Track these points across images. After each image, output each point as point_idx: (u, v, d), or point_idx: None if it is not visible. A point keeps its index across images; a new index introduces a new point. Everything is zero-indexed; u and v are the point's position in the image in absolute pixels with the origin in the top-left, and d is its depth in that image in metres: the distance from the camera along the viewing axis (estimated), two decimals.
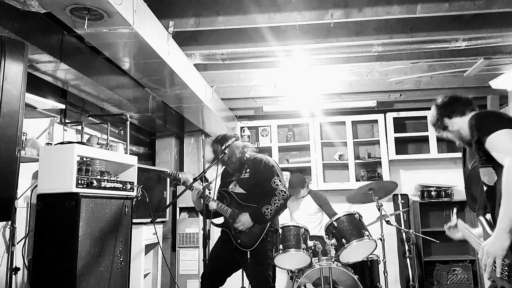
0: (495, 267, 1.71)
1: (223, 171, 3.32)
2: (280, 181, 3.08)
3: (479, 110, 2.04)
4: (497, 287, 1.80)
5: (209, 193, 2.94)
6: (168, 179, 4.82)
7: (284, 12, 2.96)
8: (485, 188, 1.89)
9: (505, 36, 3.21)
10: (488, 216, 1.94)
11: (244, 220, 3.00)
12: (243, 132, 5.62)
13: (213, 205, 3.04)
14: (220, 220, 3.17)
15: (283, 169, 3.33)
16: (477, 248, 1.98)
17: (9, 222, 2.95)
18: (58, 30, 2.76)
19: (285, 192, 3.05)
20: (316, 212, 4.46)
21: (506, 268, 1.67)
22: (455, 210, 2.38)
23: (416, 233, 4.64)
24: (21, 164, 2.51)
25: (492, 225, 1.87)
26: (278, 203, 3.00)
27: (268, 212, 2.98)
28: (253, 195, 3.07)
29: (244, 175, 3.14)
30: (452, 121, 2.09)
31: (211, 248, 3.15)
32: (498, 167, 1.75)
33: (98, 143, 3.68)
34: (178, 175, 3.25)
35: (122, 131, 4.12)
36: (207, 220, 2.86)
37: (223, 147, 3.02)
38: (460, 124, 2.05)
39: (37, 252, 2.82)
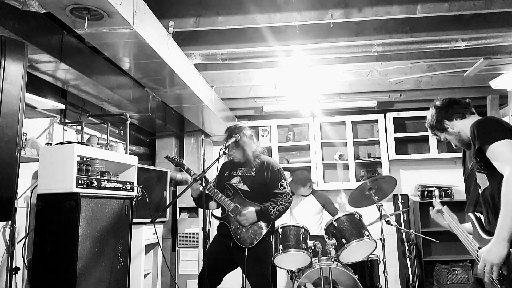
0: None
1: (224, 164, 3.32)
2: (287, 185, 3.13)
3: (480, 116, 2.05)
4: None
5: (213, 185, 3.02)
6: (169, 178, 4.84)
7: (284, 12, 2.96)
8: (480, 191, 1.94)
9: (505, 36, 3.21)
10: (479, 214, 1.98)
11: (249, 216, 2.99)
12: None
13: (213, 206, 3.04)
14: (219, 212, 3.17)
15: (283, 169, 3.33)
16: (464, 242, 2.03)
17: (9, 222, 2.95)
18: (58, 30, 2.76)
19: (291, 196, 3.10)
20: (317, 213, 4.46)
21: (501, 275, 1.70)
22: (437, 192, 2.43)
23: (416, 233, 4.64)
24: (21, 164, 2.51)
25: (482, 223, 1.92)
26: (283, 205, 3.03)
27: (274, 211, 2.99)
28: (258, 194, 3.08)
29: (250, 173, 3.14)
30: (453, 123, 2.10)
31: (208, 247, 3.14)
32: (493, 175, 1.81)
33: (98, 143, 3.68)
34: (181, 160, 3.26)
35: (122, 131, 4.12)
36: (207, 218, 2.86)
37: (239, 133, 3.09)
38: (461, 126, 2.07)
39: (37, 252, 2.81)
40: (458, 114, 2.09)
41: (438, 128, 2.17)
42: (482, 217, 1.97)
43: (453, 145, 2.19)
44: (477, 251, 1.85)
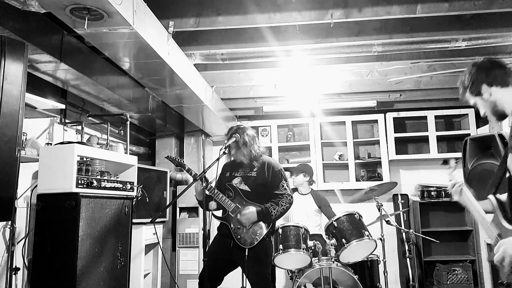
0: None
1: (225, 164, 3.32)
2: (288, 186, 3.13)
3: None
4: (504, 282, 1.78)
5: (214, 185, 3.03)
6: (169, 178, 4.83)
7: (284, 12, 2.96)
8: (508, 175, 1.79)
9: (505, 36, 3.21)
10: (503, 196, 1.86)
11: (250, 216, 3.00)
12: None
13: (213, 206, 3.04)
14: (220, 213, 3.17)
15: (284, 169, 3.33)
16: (481, 224, 1.87)
17: (9, 222, 2.95)
18: (58, 30, 2.76)
19: (292, 197, 3.09)
20: (316, 215, 4.45)
21: None
22: (452, 162, 2.06)
23: (416, 233, 4.64)
24: (21, 164, 2.51)
25: (504, 209, 1.80)
26: (284, 206, 3.03)
27: (274, 212, 2.99)
28: (259, 194, 3.08)
29: (251, 173, 3.14)
30: (491, 89, 1.82)
31: (208, 247, 3.14)
32: None
33: (98, 143, 3.68)
34: (182, 160, 3.26)
35: (122, 131, 4.12)
36: (207, 217, 2.87)
37: (241, 135, 3.09)
38: (500, 96, 1.81)
39: (37, 252, 2.81)
40: (500, 81, 1.81)
41: (472, 91, 1.88)
42: (503, 198, 1.84)
43: (481, 113, 1.92)
44: (496, 239, 1.77)
